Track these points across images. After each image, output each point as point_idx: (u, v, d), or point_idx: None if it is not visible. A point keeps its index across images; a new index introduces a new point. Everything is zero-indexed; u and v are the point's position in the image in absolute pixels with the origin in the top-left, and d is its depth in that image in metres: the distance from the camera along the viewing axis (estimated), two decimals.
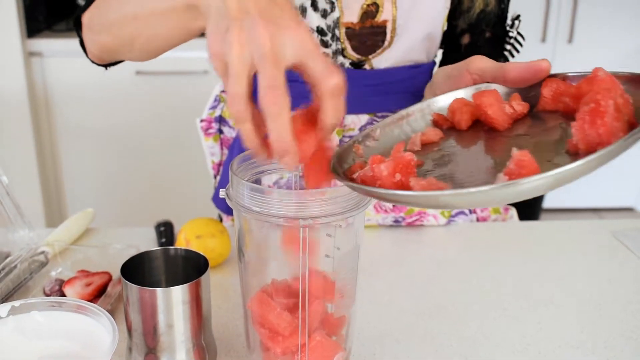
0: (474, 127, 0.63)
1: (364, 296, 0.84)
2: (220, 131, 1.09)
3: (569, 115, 0.58)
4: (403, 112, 0.66)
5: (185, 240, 0.88)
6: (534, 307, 0.84)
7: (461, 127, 0.63)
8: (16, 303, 0.60)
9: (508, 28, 1.01)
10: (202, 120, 1.09)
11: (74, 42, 2.49)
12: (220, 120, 1.08)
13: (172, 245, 0.95)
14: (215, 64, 0.54)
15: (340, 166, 0.60)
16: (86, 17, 0.84)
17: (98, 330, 0.59)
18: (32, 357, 0.60)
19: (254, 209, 0.58)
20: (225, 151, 1.09)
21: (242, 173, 0.64)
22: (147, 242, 0.98)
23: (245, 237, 0.63)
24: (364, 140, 0.64)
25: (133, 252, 0.89)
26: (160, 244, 0.95)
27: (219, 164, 1.11)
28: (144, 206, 2.69)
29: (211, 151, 1.11)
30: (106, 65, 0.90)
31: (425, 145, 0.62)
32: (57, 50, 2.50)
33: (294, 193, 0.58)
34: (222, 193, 0.62)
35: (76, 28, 0.88)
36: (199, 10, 0.60)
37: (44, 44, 2.49)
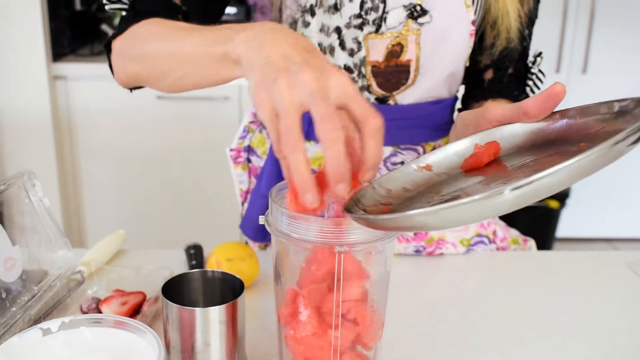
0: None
1: (386, 321, 0.87)
2: (249, 160, 1.13)
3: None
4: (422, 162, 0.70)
5: (217, 263, 0.92)
6: (550, 335, 0.87)
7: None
8: (66, 319, 0.64)
9: (530, 64, 1.05)
10: (231, 150, 1.14)
11: (98, 67, 2.58)
12: (249, 149, 1.12)
13: (202, 267, 0.98)
14: (262, 111, 0.58)
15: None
16: (117, 44, 0.89)
17: (143, 347, 0.62)
18: None
19: (292, 235, 0.62)
20: (253, 179, 1.13)
21: (280, 201, 0.68)
22: (178, 264, 1.02)
23: (283, 261, 0.67)
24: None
25: (166, 273, 0.93)
26: (191, 266, 0.99)
27: (247, 192, 1.15)
28: (163, 229, 2.73)
29: (239, 179, 1.15)
30: (131, 89, 0.95)
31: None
32: (81, 74, 2.56)
33: (331, 221, 0.62)
34: (261, 220, 0.66)
35: (106, 51, 0.93)
36: (238, 64, 0.65)
37: (69, 68, 2.56)
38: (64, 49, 2.68)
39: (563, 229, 3.15)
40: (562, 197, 2.88)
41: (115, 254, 1.04)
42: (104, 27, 2.84)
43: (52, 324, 0.63)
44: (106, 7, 0.93)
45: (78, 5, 2.83)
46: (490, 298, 0.96)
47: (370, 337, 0.68)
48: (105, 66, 2.84)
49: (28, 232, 0.90)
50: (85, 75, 2.56)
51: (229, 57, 0.66)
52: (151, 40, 0.82)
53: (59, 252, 0.93)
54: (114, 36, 0.90)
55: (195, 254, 1.02)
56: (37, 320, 0.83)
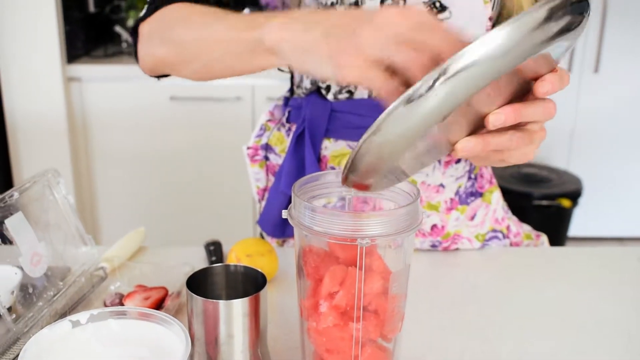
0: None
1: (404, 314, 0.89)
2: (266, 158, 1.15)
3: None
4: None
5: (237, 258, 0.94)
6: (565, 329, 0.88)
7: None
8: (95, 311, 0.65)
9: None
10: (248, 148, 1.15)
11: (112, 68, 2.61)
12: (267, 147, 1.14)
13: (222, 263, 1.00)
14: (353, 70, 0.59)
15: None
16: (145, 28, 0.88)
17: (170, 338, 0.64)
18: None
19: (314, 228, 0.64)
20: (271, 177, 1.15)
21: (303, 195, 0.69)
22: (198, 260, 1.03)
23: (305, 255, 0.68)
24: None
25: (187, 269, 0.95)
26: (211, 262, 1.01)
27: (264, 189, 1.17)
28: (177, 228, 2.75)
29: (256, 177, 1.16)
30: (158, 77, 0.96)
31: None
32: (95, 75, 2.59)
33: (353, 214, 0.63)
34: (284, 214, 0.67)
35: (133, 37, 0.93)
36: (273, 52, 0.65)
37: (83, 70, 2.58)
38: (78, 50, 2.71)
39: (575, 228, 3.15)
40: (574, 196, 2.88)
41: (136, 251, 1.06)
42: (118, 29, 2.87)
43: (81, 316, 0.65)
44: None
45: (92, 8, 2.86)
46: (505, 292, 0.98)
47: (390, 329, 0.70)
48: (119, 67, 2.85)
49: (52, 229, 0.92)
50: (99, 77, 2.59)
51: (262, 44, 0.66)
52: (180, 24, 0.81)
53: (82, 249, 0.95)
54: (142, 19, 0.88)
55: (214, 251, 1.03)
56: (62, 315, 0.85)
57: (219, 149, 2.64)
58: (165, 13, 0.85)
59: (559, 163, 3.16)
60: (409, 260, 0.69)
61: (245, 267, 0.75)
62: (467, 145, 0.61)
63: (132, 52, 0.95)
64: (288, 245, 1.15)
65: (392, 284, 0.68)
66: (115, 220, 2.77)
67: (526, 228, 1.19)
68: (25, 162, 2.63)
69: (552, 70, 0.60)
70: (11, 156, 2.62)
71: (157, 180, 2.71)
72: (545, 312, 0.92)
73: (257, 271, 0.74)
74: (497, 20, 1.02)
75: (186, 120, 2.62)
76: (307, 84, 1.07)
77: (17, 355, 0.76)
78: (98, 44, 2.90)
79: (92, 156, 2.68)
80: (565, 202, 2.86)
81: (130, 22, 2.91)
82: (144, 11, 0.90)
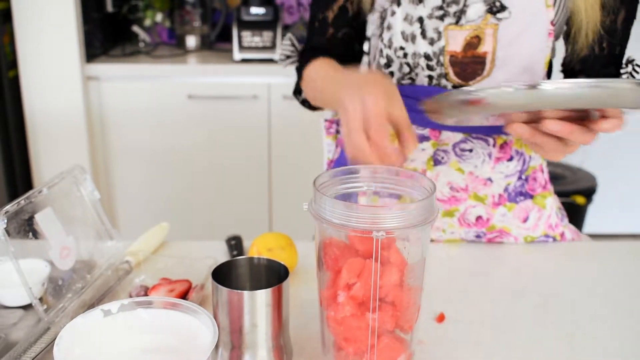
0: None
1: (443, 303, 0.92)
2: (338, 132, 1.23)
3: None
4: None
5: (257, 252, 0.96)
6: (608, 321, 0.91)
7: None
8: (125, 301, 0.69)
9: (625, 65, 1.08)
10: (326, 120, 1.24)
11: (129, 67, 2.64)
12: (339, 122, 1.20)
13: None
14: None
15: None
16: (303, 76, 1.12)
17: (198, 326, 0.67)
18: (137, 349, 0.68)
19: (333, 221, 0.66)
20: (339, 149, 1.23)
21: (324, 189, 0.72)
22: (220, 254, 1.06)
23: (324, 246, 0.71)
24: None
25: (210, 262, 0.97)
26: (232, 256, 1.04)
27: (332, 161, 1.25)
28: (194, 224, 2.79)
29: (328, 148, 1.25)
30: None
31: None
32: (113, 74, 2.62)
33: (370, 208, 0.66)
34: (305, 207, 0.70)
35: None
36: None
37: (101, 69, 2.61)
38: (96, 50, 2.74)
39: (589, 224, 3.16)
40: (588, 193, 2.89)
41: (159, 245, 1.09)
42: (135, 29, 2.91)
43: (112, 305, 0.68)
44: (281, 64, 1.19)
45: (109, 7, 2.89)
46: (548, 283, 1.01)
47: (406, 321, 0.72)
48: (137, 66, 2.88)
49: (79, 223, 0.95)
50: (117, 76, 2.62)
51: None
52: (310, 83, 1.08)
53: (107, 243, 0.99)
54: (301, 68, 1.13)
55: (235, 245, 1.06)
56: (90, 306, 0.89)
57: (235, 146, 2.67)
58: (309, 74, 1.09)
59: (573, 160, 3.17)
60: (425, 253, 0.72)
61: (268, 260, 0.78)
62: (519, 129, 0.84)
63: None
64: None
65: (409, 276, 0.70)
66: (133, 218, 2.81)
67: (585, 239, 1.22)
68: (44, 160, 2.67)
69: (618, 114, 0.80)
70: (31, 154, 2.66)
71: (174, 178, 2.75)
72: (585, 302, 0.95)
73: (280, 263, 0.77)
74: (570, 28, 1.04)
75: (203, 118, 2.65)
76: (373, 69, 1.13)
77: (48, 344, 0.80)
78: (116, 44, 2.94)
79: (110, 154, 2.72)
80: (580, 199, 2.87)
81: (148, 22, 2.94)
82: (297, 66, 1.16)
